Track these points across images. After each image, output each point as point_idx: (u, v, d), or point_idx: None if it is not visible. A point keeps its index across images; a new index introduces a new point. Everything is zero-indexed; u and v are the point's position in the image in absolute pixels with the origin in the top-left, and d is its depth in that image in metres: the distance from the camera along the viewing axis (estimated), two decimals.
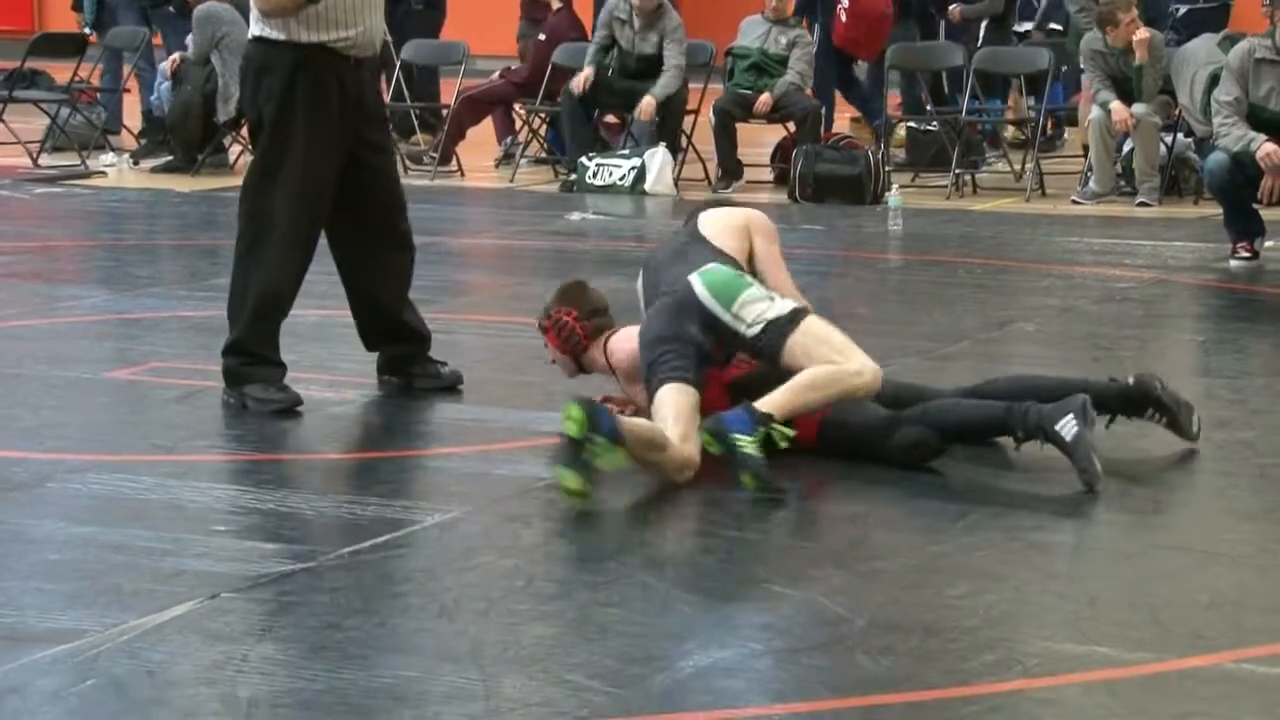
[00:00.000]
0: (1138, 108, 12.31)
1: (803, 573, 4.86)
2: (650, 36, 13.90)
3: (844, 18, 14.48)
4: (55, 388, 6.98)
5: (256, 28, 6.69)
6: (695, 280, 5.85)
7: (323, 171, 6.64)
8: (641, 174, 13.41)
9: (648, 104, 13.53)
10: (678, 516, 5.35)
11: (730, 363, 6.02)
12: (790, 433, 5.45)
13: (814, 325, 5.76)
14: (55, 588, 4.67)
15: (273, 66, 6.62)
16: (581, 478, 5.30)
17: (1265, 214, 10.27)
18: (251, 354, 6.64)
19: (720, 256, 5.98)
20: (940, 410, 5.92)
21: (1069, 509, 5.52)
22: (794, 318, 5.76)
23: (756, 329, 5.76)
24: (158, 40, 15.85)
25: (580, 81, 13.76)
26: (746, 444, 5.36)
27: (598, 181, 13.50)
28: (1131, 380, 6.07)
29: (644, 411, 5.88)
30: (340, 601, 4.58)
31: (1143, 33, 12.45)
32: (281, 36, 6.60)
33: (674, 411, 5.64)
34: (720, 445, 5.38)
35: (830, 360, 5.70)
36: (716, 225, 6.15)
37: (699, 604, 4.63)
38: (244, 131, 13.91)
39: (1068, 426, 5.64)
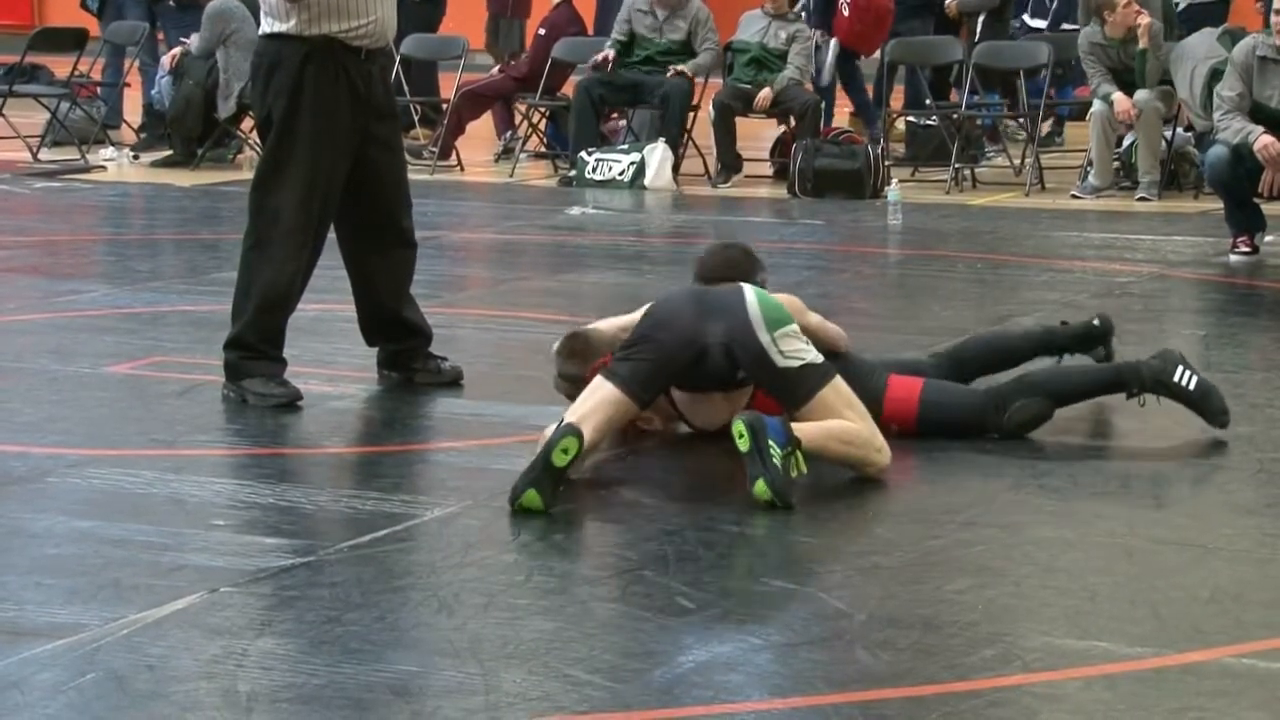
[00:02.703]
0: (1141, 94, 12.29)
1: (802, 568, 4.86)
2: (677, 23, 13.92)
3: (846, 12, 14.44)
4: (55, 382, 6.98)
5: (267, 24, 6.68)
6: (747, 290, 5.75)
7: (331, 169, 6.63)
8: (641, 169, 13.41)
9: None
10: (677, 512, 5.34)
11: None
12: (804, 469, 5.41)
13: (844, 387, 5.68)
14: (55, 582, 4.67)
15: (282, 62, 6.60)
16: (543, 495, 5.26)
17: (1265, 209, 10.28)
18: (252, 348, 6.64)
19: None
20: (1049, 380, 6.24)
21: (1068, 504, 5.52)
22: (831, 372, 5.68)
23: (793, 364, 5.62)
24: (161, 35, 15.83)
25: (601, 58, 13.80)
26: (776, 454, 5.32)
27: (597, 176, 13.49)
28: (1097, 320, 6.69)
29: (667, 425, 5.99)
30: (340, 596, 4.59)
31: (1144, 17, 12.44)
32: (291, 30, 6.59)
33: (594, 410, 5.56)
34: (752, 442, 5.29)
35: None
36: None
37: (698, 599, 4.63)
38: (243, 126, 13.97)
39: (1186, 378, 6.10)
